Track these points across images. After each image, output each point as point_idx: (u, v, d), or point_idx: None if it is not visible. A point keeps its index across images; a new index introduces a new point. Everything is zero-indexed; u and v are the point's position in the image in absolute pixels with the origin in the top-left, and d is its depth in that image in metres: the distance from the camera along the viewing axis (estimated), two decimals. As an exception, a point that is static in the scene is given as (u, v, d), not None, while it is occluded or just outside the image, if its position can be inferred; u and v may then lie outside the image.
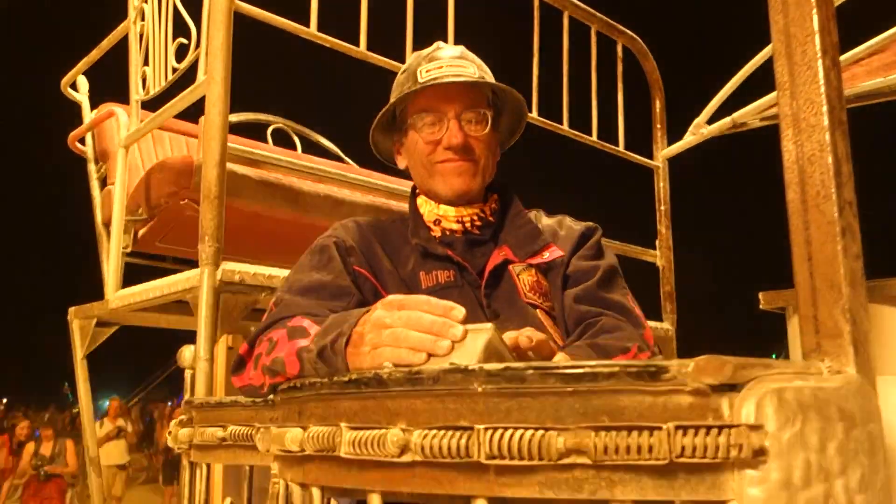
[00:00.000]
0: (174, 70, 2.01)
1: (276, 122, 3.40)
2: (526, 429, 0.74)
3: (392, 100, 1.50)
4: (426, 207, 1.52)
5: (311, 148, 3.52)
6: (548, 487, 0.75)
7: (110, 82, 3.05)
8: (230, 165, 1.88)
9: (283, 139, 3.42)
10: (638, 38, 3.09)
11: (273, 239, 2.54)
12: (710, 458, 0.69)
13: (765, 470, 0.71)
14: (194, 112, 2.24)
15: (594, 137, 2.84)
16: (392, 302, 0.99)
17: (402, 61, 2.26)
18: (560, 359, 1.16)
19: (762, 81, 2.95)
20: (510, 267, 1.43)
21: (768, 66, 2.90)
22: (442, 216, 1.49)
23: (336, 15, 2.25)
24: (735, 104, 2.93)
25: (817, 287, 0.83)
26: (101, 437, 11.78)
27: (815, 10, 0.87)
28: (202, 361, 1.68)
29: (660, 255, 3.06)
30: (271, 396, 1.30)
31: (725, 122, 3.00)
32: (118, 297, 2.17)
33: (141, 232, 2.40)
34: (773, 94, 2.94)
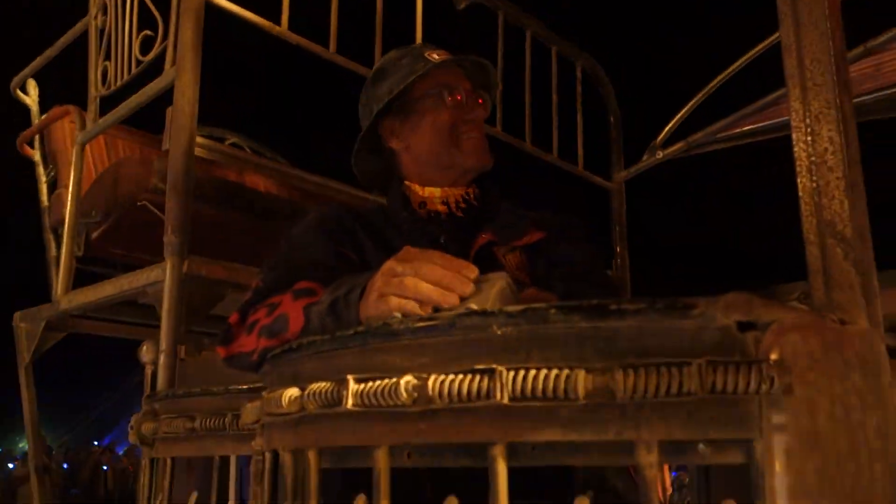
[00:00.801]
0: (139, 63, 1.96)
1: (232, 138, 3.34)
2: (550, 368, 0.72)
3: (394, 84, 1.51)
4: (411, 190, 1.51)
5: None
6: (571, 429, 0.72)
7: (58, 87, 2.96)
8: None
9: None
10: (595, 62, 3.15)
11: (226, 245, 2.48)
12: (741, 393, 0.68)
13: (791, 408, 0.70)
14: (151, 121, 2.18)
15: (555, 155, 2.87)
16: (410, 253, 0.96)
17: (371, 67, 2.26)
18: None
19: (718, 107, 3.04)
20: (494, 249, 1.43)
21: (721, 91, 2.99)
22: (427, 198, 1.49)
23: (306, 22, 2.24)
24: (693, 127, 3.00)
25: (826, 242, 0.83)
26: (22, 476, 11.24)
27: (819, -22, 0.89)
28: (165, 355, 1.61)
29: (616, 275, 3.08)
30: (246, 387, 1.26)
31: (680, 145, 3.07)
32: (70, 296, 2.08)
33: (94, 235, 2.31)
34: (724, 121, 3.03)
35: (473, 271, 0.91)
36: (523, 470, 0.75)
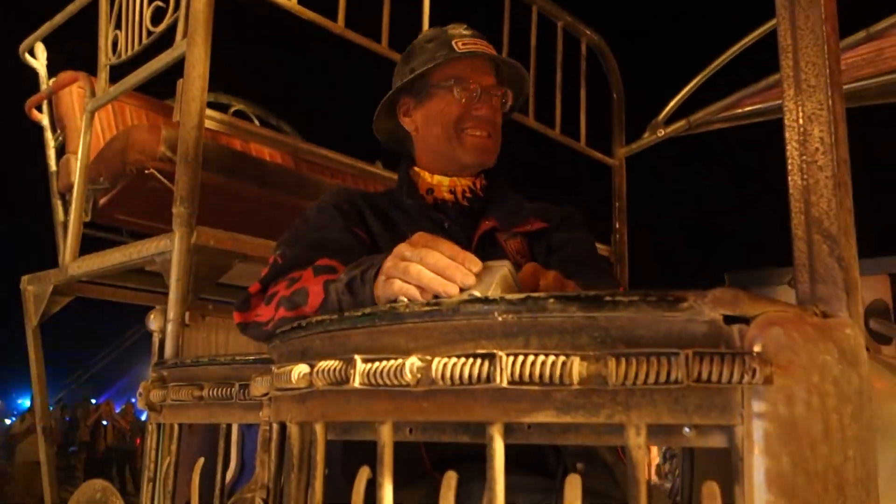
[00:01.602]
0: (149, 34, 1.98)
1: (238, 104, 3.37)
2: (547, 355, 0.77)
3: (417, 65, 1.55)
4: (419, 177, 1.55)
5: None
6: (564, 412, 0.77)
7: (66, 51, 2.97)
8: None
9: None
10: (601, 38, 3.16)
11: (236, 214, 2.51)
12: (725, 383, 0.73)
13: (770, 397, 0.75)
14: (158, 86, 2.21)
15: (557, 131, 2.90)
16: (420, 238, 1.00)
17: (378, 41, 2.28)
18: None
19: (718, 86, 3.06)
20: (497, 234, 1.47)
21: (724, 71, 3.01)
22: (435, 185, 1.54)
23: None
24: (694, 106, 3.03)
25: (813, 237, 0.87)
26: (20, 432, 11.38)
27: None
28: (172, 324, 1.66)
29: (614, 251, 3.13)
30: (252, 357, 1.31)
31: (682, 123, 3.09)
32: (79, 263, 2.12)
33: (101, 202, 2.35)
34: (726, 100, 3.05)
35: (477, 264, 0.96)
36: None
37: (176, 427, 1.49)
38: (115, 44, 2.13)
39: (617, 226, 3.15)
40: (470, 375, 0.78)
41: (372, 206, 1.49)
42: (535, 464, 1.20)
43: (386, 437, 0.86)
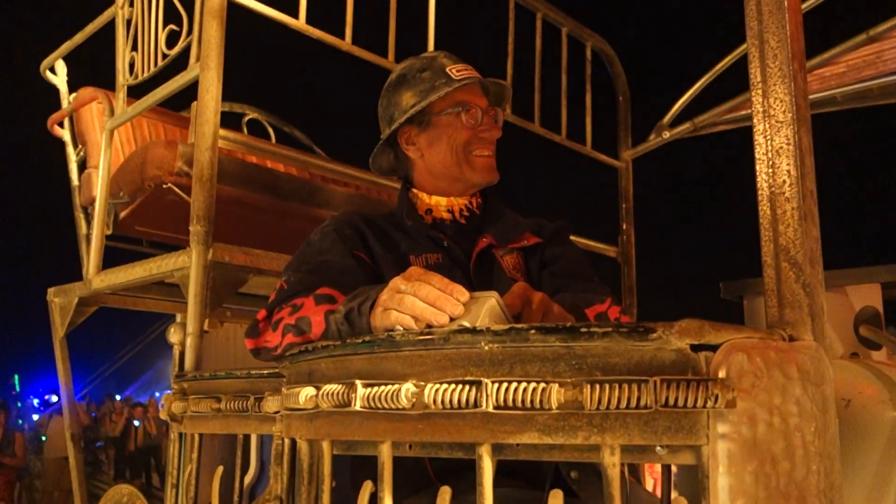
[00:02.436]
0: (164, 56, 2.06)
1: (252, 112, 3.46)
2: (528, 382, 0.84)
3: (422, 96, 1.60)
4: (418, 198, 1.62)
5: (284, 138, 3.59)
6: (546, 434, 0.84)
7: (85, 67, 3.07)
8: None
9: (257, 129, 3.48)
10: (606, 42, 3.21)
11: (252, 226, 2.60)
12: (690, 407, 0.80)
13: (733, 419, 0.82)
14: (174, 99, 2.29)
15: (563, 136, 2.95)
16: (413, 272, 1.08)
17: (385, 56, 2.35)
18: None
19: (723, 88, 3.11)
20: (494, 251, 1.54)
21: (728, 73, 3.06)
22: (433, 206, 1.61)
23: (320, 7, 2.32)
24: (699, 108, 3.08)
25: (781, 265, 0.94)
26: (43, 424, 11.64)
27: (787, 20, 0.98)
28: (191, 337, 1.75)
29: (621, 251, 3.19)
30: (266, 371, 1.39)
31: (686, 126, 3.14)
32: (102, 277, 2.21)
33: (122, 215, 2.44)
34: (730, 103, 3.10)
35: (464, 294, 1.04)
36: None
37: (197, 437, 1.58)
38: (131, 65, 2.21)
39: (624, 227, 3.20)
40: (459, 401, 0.86)
41: (373, 228, 1.56)
42: (532, 471, 1.28)
43: (385, 455, 0.94)
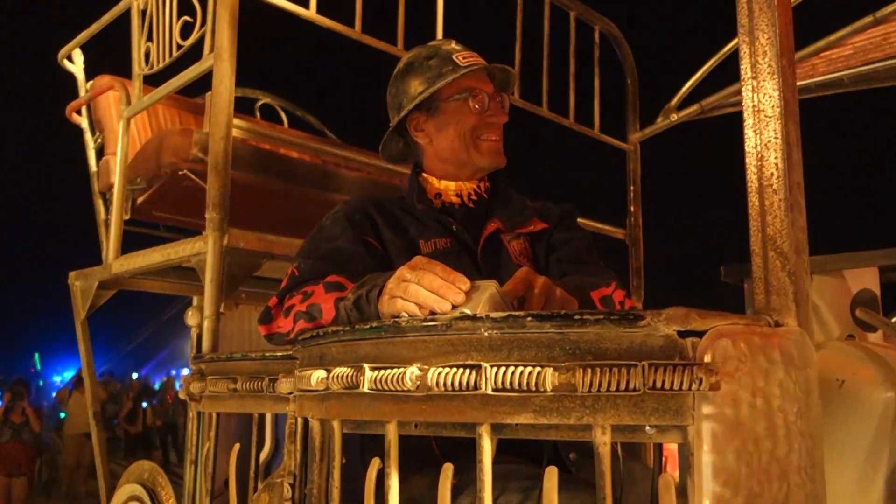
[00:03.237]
0: (179, 47, 2.12)
1: (265, 98, 3.51)
2: (525, 366, 0.90)
3: (424, 81, 1.64)
4: (428, 182, 1.67)
5: (296, 123, 3.64)
6: (541, 415, 0.90)
7: (102, 54, 3.12)
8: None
9: (269, 114, 3.53)
10: (614, 25, 3.23)
11: (267, 210, 2.66)
12: (676, 389, 0.85)
13: (717, 401, 0.87)
14: (189, 86, 2.34)
15: (571, 120, 2.99)
16: (418, 261, 1.14)
17: (395, 43, 2.39)
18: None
19: (731, 70, 3.13)
20: (502, 236, 1.59)
21: (735, 56, 3.07)
22: (443, 190, 1.65)
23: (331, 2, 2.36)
24: (706, 90, 3.10)
25: (768, 254, 0.99)
26: (63, 399, 11.86)
27: (776, 17, 1.02)
28: (208, 320, 1.81)
29: (629, 233, 3.23)
30: (280, 353, 1.45)
31: (694, 108, 3.17)
32: (121, 261, 2.28)
33: (139, 200, 2.50)
34: (737, 85, 3.12)
35: (465, 283, 1.09)
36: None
37: (214, 416, 1.65)
38: (147, 55, 2.26)
39: (632, 209, 3.24)
40: (460, 383, 0.91)
41: (383, 213, 1.60)
42: (532, 451, 1.34)
43: (392, 434, 1.00)
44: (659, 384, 0.85)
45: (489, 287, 1.08)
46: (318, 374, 1.07)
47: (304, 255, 1.51)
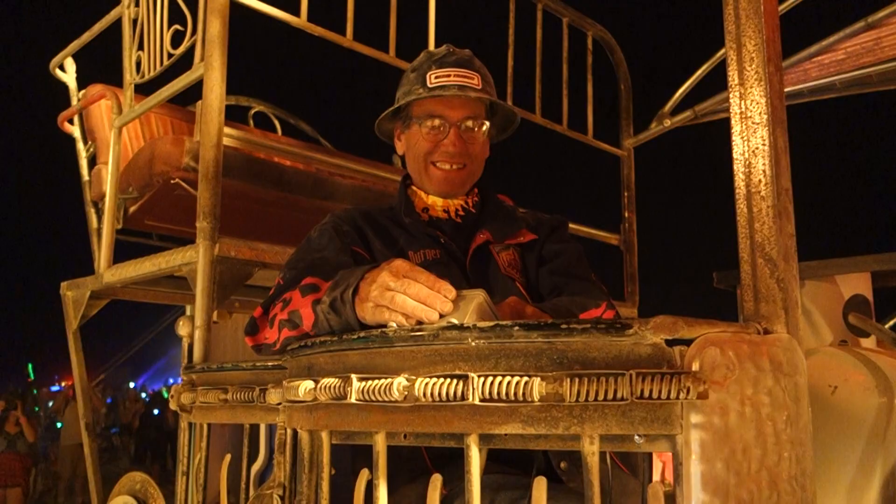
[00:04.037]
0: (170, 56, 2.11)
1: (258, 106, 3.50)
2: (512, 376, 0.89)
3: (400, 96, 1.64)
4: (416, 196, 1.66)
5: (290, 130, 3.64)
6: (529, 425, 0.89)
7: (93, 64, 3.12)
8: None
9: (263, 121, 3.53)
10: (607, 31, 3.24)
11: (259, 218, 2.65)
12: (664, 399, 0.84)
13: (706, 410, 0.86)
14: (181, 93, 2.34)
15: (565, 126, 2.99)
16: (399, 268, 1.12)
17: (386, 51, 2.39)
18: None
19: (724, 76, 3.13)
20: (491, 247, 1.59)
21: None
22: (430, 205, 1.65)
23: (321, 2, 2.36)
24: (700, 96, 3.11)
25: (757, 261, 0.98)
26: (57, 409, 11.85)
27: (763, 23, 1.02)
28: (199, 330, 1.80)
29: (624, 239, 3.23)
30: (270, 363, 1.44)
31: (687, 114, 3.17)
32: (113, 271, 2.27)
33: (131, 209, 2.49)
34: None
35: (451, 291, 1.08)
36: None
37: (205, 426, 1.64)
38: (138, 64, 2.26)
39: (626, 215, 3.24)
40: (447, 394, 0.91)
41: (372, 224, 1.60)
42: (523, 461, 1.33)
43: (380, 444, 0.99)
44: (647, 393, 0.84)
45: (477, 296, 1.08)
46: (306, 385, 1.06)
47: (290, 265, 1.50)
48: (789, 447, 0.93)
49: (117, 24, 2.45)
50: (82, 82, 2.88)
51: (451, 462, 1.21)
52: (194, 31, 2.01)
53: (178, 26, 2.09)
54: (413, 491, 1.29)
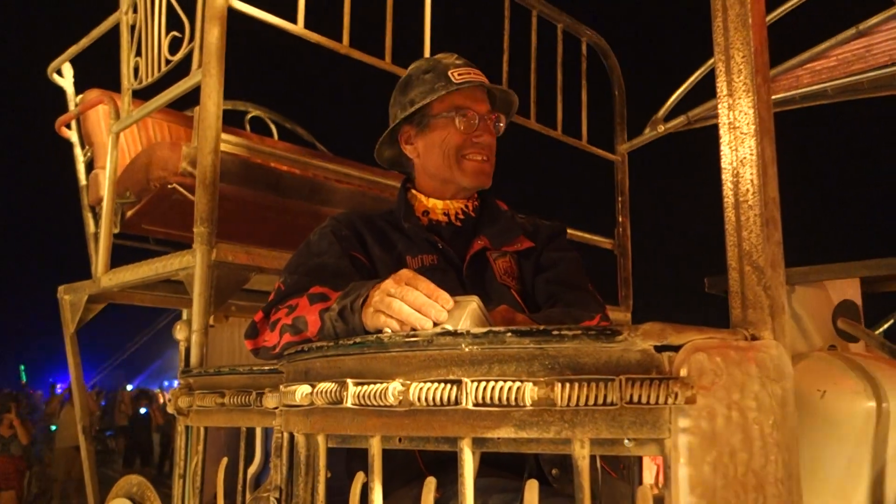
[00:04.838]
0: (167, 62, 2.13)
1: (255, 110, 3.52)
2: (505, 381, 0.91)
3: (416, 96, 1.65)
4: (416, 199, 1.68)
5: (286, 135, 3.66)
6: (521, 429, 0.91)
7: (92, 69, 3.13)
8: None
9: (259, 126, 3.55)
10: (601, 38, 3.27)
11: (256, 223, 2.67)
12: (653, 403, 0.86)
13: (693, 415, 0.88)
14: (180, 99, 2.36)
15: (559, 131, 3.01)
16: (402, 275, 1.15)
17: (382, 57, 2.41)
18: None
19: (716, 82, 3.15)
20: (488, 253, 1.60)
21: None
22: (430, 208, 1.66)
23: (318, 9, 2.38)
24: (693, 102, 3.13)
25: (744, 268, 1.00)
26: (52, 413, 11.83)
27: (751, 35, 1.04)
28: (196, 334, 1.82)
29: (618, 243, 3.25)
30: (267, 367, 1.46)
31: (681, 119, 3.20)
32: (110, 275, 2.29)
33: (129, 214, 2.51)
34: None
35: (448, 302, 1.10)
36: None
37: (202, 430, 1.66)
38: (136, 69, 2.28)
39: (620, 220, 3.27)
40: (441, 398, 0.93)
41: (371, 228, 1.61)
42: (515, 466, 1.35)
43: (375, 448, 1.01)
44: (636, 398, 0.87)
45: (470, 302, 1.10)
46: (302, 390, 1.08)
47: (290, 270, 1.52)
48: (776, 451, 0.95)
49: (115, 29, 2.47)
50: (80, 87, 2.90)
51: (445, 466, 1.23)
52: (192, 38, 2.03)
53: (175, 33, 2.10)
54: (408, 494, 1.30)
